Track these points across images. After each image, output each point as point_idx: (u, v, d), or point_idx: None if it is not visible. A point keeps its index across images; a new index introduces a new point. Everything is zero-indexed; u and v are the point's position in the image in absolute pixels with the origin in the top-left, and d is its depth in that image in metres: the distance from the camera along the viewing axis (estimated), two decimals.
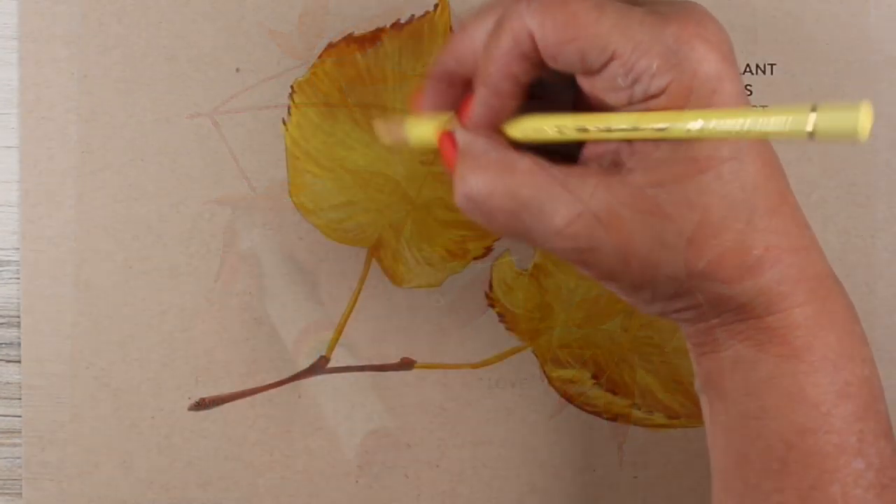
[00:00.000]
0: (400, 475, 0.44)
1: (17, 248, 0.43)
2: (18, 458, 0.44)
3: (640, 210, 0.32)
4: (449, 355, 0.44)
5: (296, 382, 0.44)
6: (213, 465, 0.44)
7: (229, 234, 0.43)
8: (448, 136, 0.36)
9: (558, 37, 0.33)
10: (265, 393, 0.44)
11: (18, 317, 0.44)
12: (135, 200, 0.43)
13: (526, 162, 0.34)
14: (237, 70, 0.43)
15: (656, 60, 0.32)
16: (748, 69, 0.43)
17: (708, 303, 0.33)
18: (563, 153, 0.35)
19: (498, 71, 0.34)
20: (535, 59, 0.34)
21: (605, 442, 0.44)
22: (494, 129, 0.35)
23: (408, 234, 0.44)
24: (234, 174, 0.43)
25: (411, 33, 0.43)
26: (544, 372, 0.44)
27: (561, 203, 0.33)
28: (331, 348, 0.44)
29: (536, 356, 0.44)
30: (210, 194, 0.43)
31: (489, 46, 0.34)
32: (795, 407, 0.33)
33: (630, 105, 0.33)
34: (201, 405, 0.44)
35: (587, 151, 0.35)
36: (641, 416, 0.44)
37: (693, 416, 0.45)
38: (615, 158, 0.34)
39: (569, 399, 0.44)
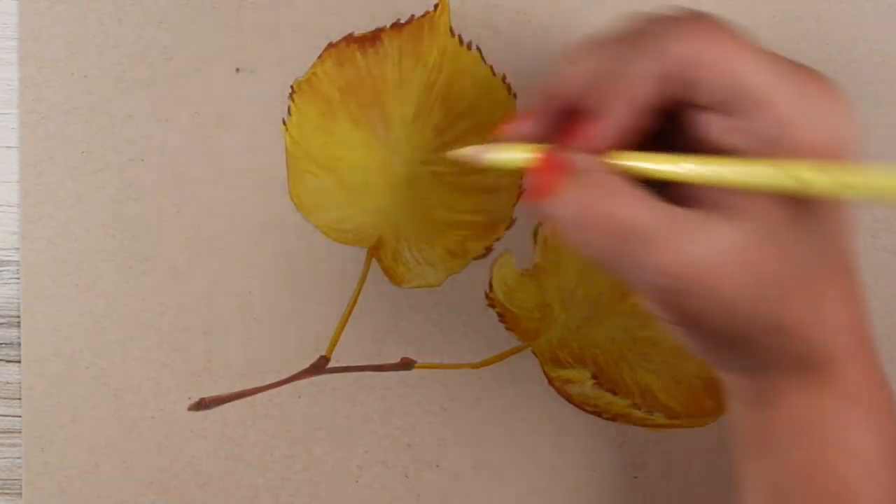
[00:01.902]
0: (400, 475, 0.44)
1: (17, 248, 0.43)
2: (18, 458, 0.44)
3: (750, 261, 0.32)
4: (449, 355, 0.44)
5: (296, 382, 0.44)
6: (213, 465, 0.44)
7: (229, 233, 0.43)
8: (551, 158, 0.34)
9: (717, 69, 0.32)
10: (265, 393, 0.44)
11: (18, 317, 0.44)
12: (135, 200, 0.43)
13: (639, 190, 0.33)
14: (237, 70, 0.43)
15: (816, 118, 0.32)
16: None
17: (779, 357, 0.33)
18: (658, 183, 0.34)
19: (632, 92, 0.33)
20: (673, 88, 0.33)
21: (605, 442, 0.44)
22: (595, 151, 0.34)
23: (408, 234, 0.44)
24: (234, 174, 0.43)
25: (411, 33, 0.43)
26: (544, 372, 0.44)
27: (671, 240, 0.32)
28: (331, 348, 0.44)
29: (536, 356, 0.44)
30: (211, 194, 0.43)
31: (627, 67, 0.33)
32: (853, 463, 0.33)
33: (753, 152, 0.32)
34: (201, 405, 0.44)
35: (697, 189, 0.34)
36: (641, 416, 0.44)
37: (693, 416, 0.45)
38: (728, 202, 0.33)
39: (569, 399, 0.44)
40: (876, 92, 0.44)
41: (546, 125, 0.35)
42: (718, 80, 0.32)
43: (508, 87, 0.43)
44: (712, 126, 0.33)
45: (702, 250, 0.32)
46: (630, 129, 0.34)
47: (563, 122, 0.35)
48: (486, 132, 0.43)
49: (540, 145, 0.35)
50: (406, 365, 0.44)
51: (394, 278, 0.44)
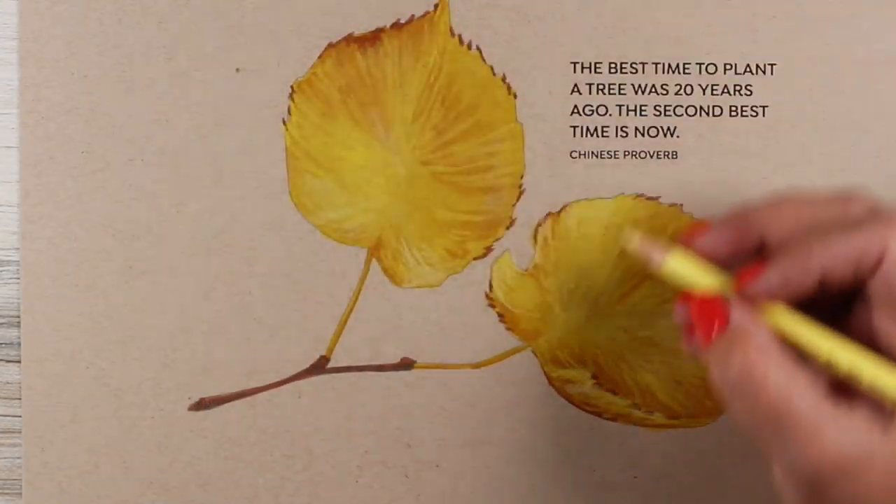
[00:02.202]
0: (400, 475, 0.44)
1: (17, 248, 0.43)
2: (18, 458, 0.44)
3: (891, 469, 0.32)
4: (449, 355, 0.44)
5: (296, 382, 0.44)
6: (213, 465, 0.44)
7: (229, 234, 0.43)
8: (720, 303, 0.35)
9: None
10: (265, 393, 0.44)
11: (18, 317, 0.44)
12: (135, 200, 0.43)
13: (801, 377, 0.33)
14: (237, 70, 0.43)
15: None
16: (748, 69, 0.43)
17: None
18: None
19: (820, 261, 0.34)
20: (860, 277, 0.34)
21: (605, 442, 0.44)
22: (766, 302, 0.35)
23: (408, 234, 0.44)
24: (234, 174, 0.43)
25: (411, 33, 0.43)
26: (544, 372, 0.44)
27: (820, 434, 0.32)
28: (331, 348, 0.44)
29: (536, 356, 0.44)
30: (210, 194, 0.43)
31: (828, 236, 0.34)
32: None
33: None
34: (201, 405, 0.44)
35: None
36: (641, 416, 0.44)
37: (693, 416, 0.45)
38: (887, 408, 0.33)
39: (569, 399, 0.44)
40: (876, 92, 0.44)
41: (728, 246, 0.36)
42: None
43: (508, 87, 0.43)
44: (880, 323, 0.34)
45: (850, 450, 0.32)
46: (801, 293, 0.34)
47: (741, 252, 0.36)
48: (485, 132, 0.43)
49: (715, 277, 0.35)
50: (406, 365, 0.44)
51: (394, 278, 0.44)
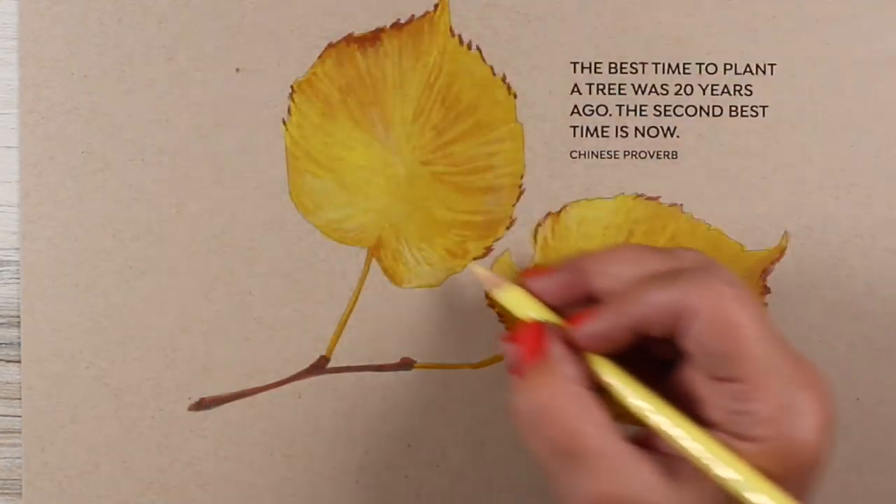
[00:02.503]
0: (400, 475, 0.44)
1: (17, 248, 0.43)
2: (18, 458, 0.44)
3: None
4: (449, 355, 0.44)
5: (296, 382, 0.44)
6: (213, 465, 0.44)
7: (229, 234, 0.43)
8: (543, 333, 0.36)
9: (721, 347, 0.33)
10: (265, 393, 0.44)
11: (18, 317, 0.44)
12: (135, 200, 0.43)
13: (601, 416, 0.34)
14: (237, 70, 0.43)
15: (803, 416, 0.32)
16: (748, 69, 0.43)
17: None
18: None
19: (634, 314, 0.34)
20: (676, 333, 0.34)
21: None
22: (589, 350, 0.36)
23: (408, 234, 0.44)
24: (234, 174, 0.43)
25: (411, 33, 0.43)
26: None
27: (611, 474, 0.33)
28: (331, 348, 0.44)
29: None
30: (210, 194, 0.43)
31: (646, 290, 0.34)
32: None
33: (717, 423, 0.33)
34: (201, 405, 0.44)
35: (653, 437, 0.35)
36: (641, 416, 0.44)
37: None
38: (684, 465, 0.34)
39: None
40: (876, 92, 0.44)
41: (560, 290, 0.38)
42: (722, 346, 0.33)
43: (508, 87, 0.43)
44: (686, 374, 0.34)
45: (635, 490, 0.33)
46: (622, 345, 0.35)
47: (574, 299, 0.37)
48: (485, 132, 0.43)
49: (546, 315, 0.37)
50: (406, 365, 0.44)
51: (394, 278, 0.44)
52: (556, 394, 0.34)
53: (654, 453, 0.35)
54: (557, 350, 0.36)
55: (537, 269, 0.40)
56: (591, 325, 0.36)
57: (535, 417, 0.34)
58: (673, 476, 0.34)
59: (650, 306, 0.34)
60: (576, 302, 0.38)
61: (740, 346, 0.33)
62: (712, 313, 0.33)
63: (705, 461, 0.33)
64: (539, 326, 0.37)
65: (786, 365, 0.33)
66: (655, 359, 0.37)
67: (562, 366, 0.35)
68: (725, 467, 0.33)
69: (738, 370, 0.33)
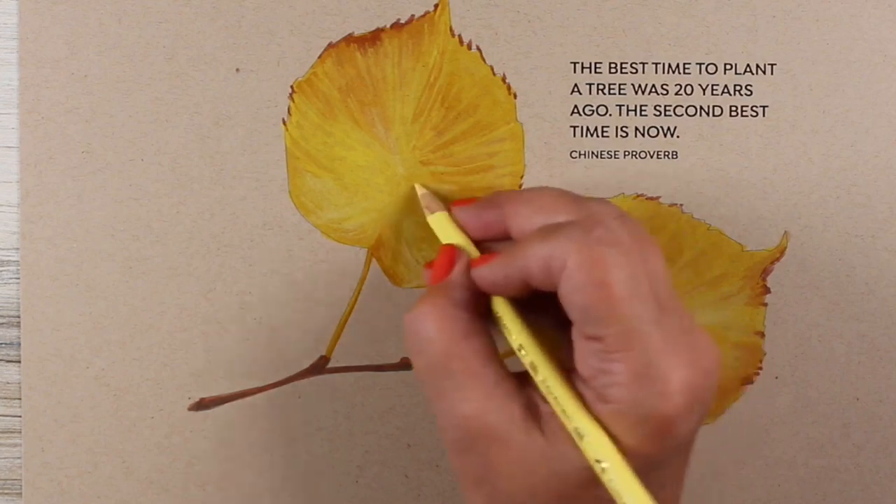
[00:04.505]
0: (400, 475, 0.44)
1: (17, 248, 0.43)
2: (18, 458, 0.44)
3: (528, 459, 0.34)
4: None
5: (296, 382, 0.44)
6: (213, 465, 0.44)
7: (229, 234, 0.43)
8: (453, 254, 0.38)
9: (584, 304, 0.33)
10: (265, 393, 0.44)
11: (18, 317, 0.44)
12: (135, 200, 0.43)
13: (481, 343, 0.35)
14: (237, 70, 0.43)
15: (627, 374, 0.32)
16: (748, 69, 0.43)
17: None
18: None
19: (519, 264, 0.35)
20: (552, 285, 0.34)
21: None
22: (485, 291, 0.37)
23: (408, 234, 0.44)
24: (234, 174, 0.43)
25: (411, 33, 0.43)
26: None
27: (475, 400, 0.34)
28: (331, 348, 0.44)
29: None
30: (210, 194, 0.43)
31: (533, 241, 0.34)
32: None
33: (586, 379, 0.34)
34: (201, 405, 0.44)
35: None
36: None
37: None
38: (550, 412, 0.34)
39: None
40: (876, 92, 0.44)
41: (478, 224, 0.39)
42: (585, 304, 0.33)
43: (508, 87, 0.43)
44: (576, 334, 0.34)
45: (493, 420, 0.34)
46: (517, 291, 0.36)
47: (492, 235, 0.38)
48: (485, 132, 0.43)
49: (464, 241, 0.39)
50: (406, 365, 0.44)
51: (394, 278, 0.44)
52: (439, 314, 0.35)
53: (531, 394, 0.35)
54: (456, 275, 0.37)
55: (465, 200, 0.41)
56: (483, 269, 0.36)
57: (416, 334, 0.35)
58: (537, 418, 0.34)
59: (528, 258, 0.34)
60: (497, 237, 0.38)
61: (603, 305, 0.32)
62: (578, 270, 0.33)
63: (560, 410, 0.34)
64: (451, 250, 0.38)
65: (655, 329, 0.32)
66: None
67: (454, 290, 0.36)
68: (576, 421, 0.33)
69: (600, 329, 0.33)
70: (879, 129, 0.44)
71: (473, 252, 0.38)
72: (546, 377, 0.34)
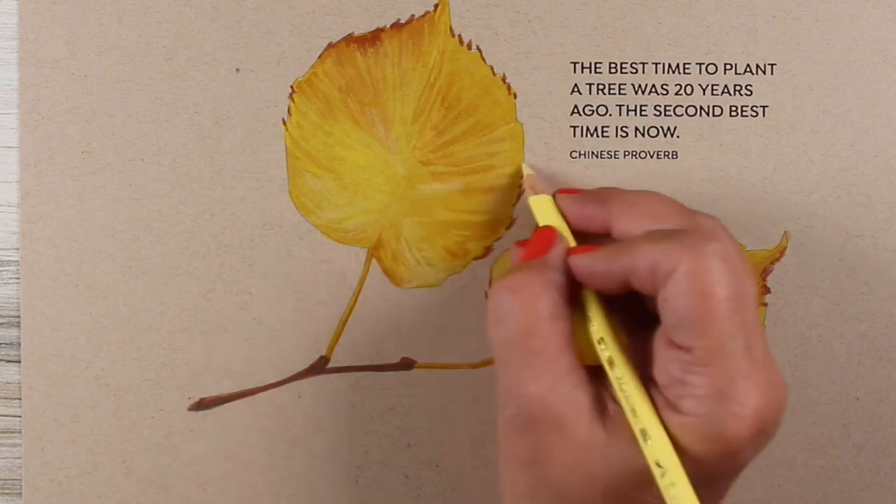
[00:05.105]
0: (400, 475, 0.44)
1: (17, 248, 0.43)
2: (18, 458, 0.44)
3: (592, 445, 0.34)
4: (449, 355, 0.44)
5: (296, 382, 0.44)
6: (213, 465, 0.44)
7: (229, 234, 0.43)
8: (553, 235, 0.37)
9: (682, 311, 0.33)
10: (265, 393, 0.44)
11: (18, 317, 0.44)
12: (135, 200, 0.43)
13: (565, 327, 0.35)
14: (237, 70, 0.43)
15: (706, 389, 0.33)
16: (748, 69, 0.43)
17: None
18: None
19: (622, 265, 0.35)
20: (656, 291, 0.34)
21: None
22: (579, 279, 0.36)
23: (408, 234, 0.44)
24: (234, 174, 0.43)
25: (411, 33, 0.43)
26: None
27: (547, 383, 0.34)
28: (331, 348, 0.44)
29: None
30: (210, 194, 0.43)
31: (643, 242, 0.34)
32: None
33: (661, 386, 0.34)
34: (201, 405, 0.44)
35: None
36: None
37: None
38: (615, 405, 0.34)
39: None
40: (876, 92, 0.44)
41: (580, 215, 0.38)
42: (683, 311, 0.33)
43: (508, 87, 0.43)
44: (660, 340, 0.34)
45: (560, 407, 0.34)
46: (611, 290, 0.36)
47: (594, 228, 0.38)
48: (485, 132, 0.43)
49: (563, 227, 0.38)
50: (406, 365, 0.44)
51: (394, 278, 0.44)
52: (532, 289, 0.35)
53: (601, 390, 0.35)
54: (554, 256, 0.36)
55: (570, 189, 0.40)
56: (584, 258, 0.36)
57: (505, 302, 0.35)
58: (602, 414, 0.34)
59: (636, 259, 0.34)
60: (596, 232, 0.38)
61: (702, 316, 0.33)
62: (686, 277, 0.33)
63: (629, 408, 0.34)
64: (551, 231, 0.38)
65: (743, 353, 0.33)
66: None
67: (550, 270, 0.36)
68: (644, 422, 0.33)
69: (692, 339, 0.33)
70: (879, 129, 0.44)
71: (571, 240, 0.38)
72: (622, 374, 0.34)
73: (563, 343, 0.34)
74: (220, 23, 0.43)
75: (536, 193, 0.40)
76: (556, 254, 0.37)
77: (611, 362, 0.35)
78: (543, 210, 0.40)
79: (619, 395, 0.34)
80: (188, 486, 0.44)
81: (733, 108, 0.44)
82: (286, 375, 0.44)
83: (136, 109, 0.43)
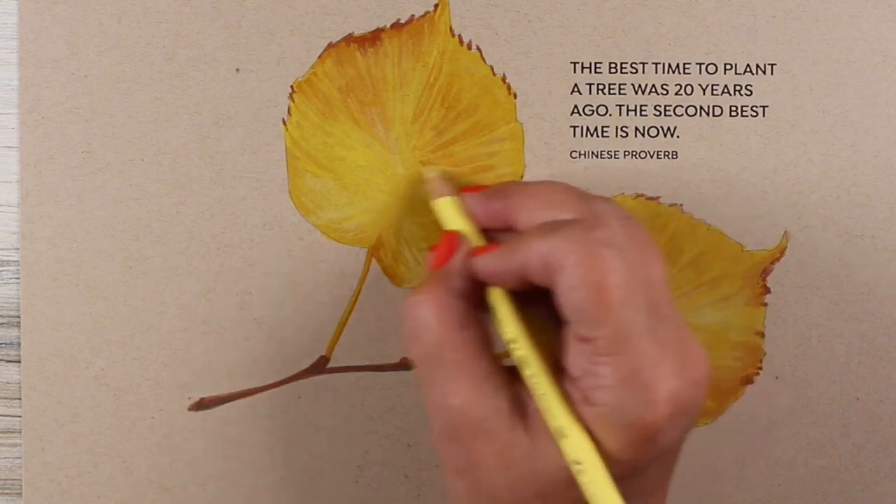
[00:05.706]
0: (400, 475, 0.44)
1: (17, 248, 0.43)
2: (18, 458, 0.44)
3: (512, 446, 0.34)
4: None
5: (296, 382, 0.44)
6: (213, 465, 0.44)
7: (229, 234, 0.43)
8: (455, 241, 0.37)
9: (578, 305, 0.33)
10: (265, 393, 0.44)
11: (18, 317, 0.44)
12: (135, 200, 0.43)
13: (474, 334, 0.35)
14: (237, 70, 0.43)
15: (613, 379, 0.32)
16: (748, 69, 0.43)
17: None
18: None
19: (518, 259, 0.35)
20: (552, 286, 0.34)
21: None
22: (484, 280, 0.36)
23: (408, 234, 0.44)
24: (234, 174, 0.43)
25: (411, 33, 0.43)
26: None
27: (462, 392, 0.34)
28: (331, 348, 0.44)
29: None
30: (210, 194, 0.43)
31: (534, 237, 0.34)
32: None
33: (576, 379, 0.34)
34: (201, 405, 0.44)
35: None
36: None
37: None
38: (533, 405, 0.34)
39: None
40: (876, 92, 0.44)
41: (484, 213, 0.38)
42: (578, 305, 0.33)
43: (508, 87, 0.43)
44: (569, 333, 0.34)
45: (479, 413, 0.34)
46: (514, 285, 0.35)
47: (498, 225, 0.38)
48: (485, 132, 0.43)
49: (468, 228, 0.38)
50: (406, 365, 0.44)
51: (394, 278, 0.44)
52: (436, 302, 0.35)
53: (520, 390, 0.35)
54: (456, 263, 0.36)
55: (476, 186, 0.40)
56: (483, 259, 0.36)
57: (412, 322, 0.35)
58: (523, 415, 0.34)
59: (528, 253, 0.34)
60: (504, 228, 0.38)
61: (596, 307, 0.32)
62: (575, 270, 0.33)
63: (544, 407, 0.33)
64: (453, 237, 0.37)
65: (647, 336, 0.32)
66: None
67: (452, 278, 0.36)
68: (558, 420, 0.33)
69: (591, 331, 0.33)
70: (879, 129, 0.44)
71: (477, 240, 0.38)
72: (535, 373, 0.34)
73: (475, 350, 0.35)
74: (220, 23, 0.43)
75: (441, 196, 0.40)
76: (458, 260, 0.37)
77: (523, 362, 0.35)
78: (448, 213, 0.39)
79: (535, 395, 0.34)
80: (188, 486, 0.44)
81: (733, 108, 0.44)
82: (286, 375, 0.44)
83: (136, 109, 0.43)
